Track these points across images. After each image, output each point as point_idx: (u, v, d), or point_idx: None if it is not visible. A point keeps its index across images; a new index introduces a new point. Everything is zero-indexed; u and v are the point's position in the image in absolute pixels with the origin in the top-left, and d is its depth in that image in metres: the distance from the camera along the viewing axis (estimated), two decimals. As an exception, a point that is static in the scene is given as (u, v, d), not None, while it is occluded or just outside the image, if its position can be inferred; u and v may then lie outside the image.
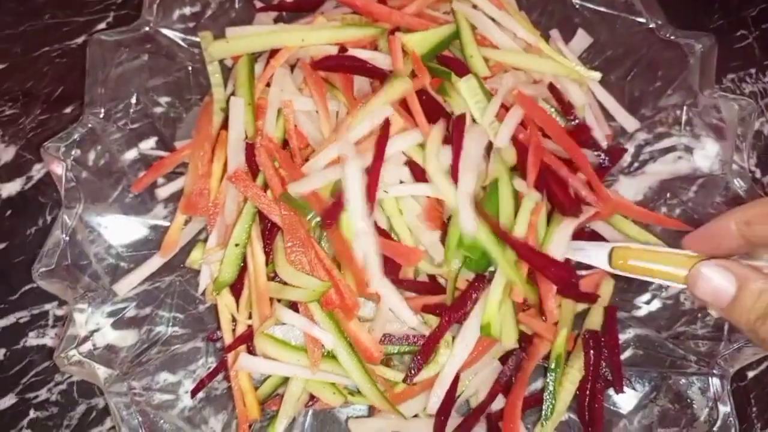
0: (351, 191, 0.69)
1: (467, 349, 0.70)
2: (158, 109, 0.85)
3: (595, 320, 0.77)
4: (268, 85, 0.78)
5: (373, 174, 0.70)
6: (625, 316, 0.81)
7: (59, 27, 0.96)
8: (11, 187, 0.89)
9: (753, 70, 0.99)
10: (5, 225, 0.87)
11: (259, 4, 0.88)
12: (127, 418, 0.69)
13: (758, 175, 0.95)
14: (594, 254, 0.68)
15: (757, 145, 0.96)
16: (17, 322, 0.84)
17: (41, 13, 0.96)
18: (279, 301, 0.72)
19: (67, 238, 0.72)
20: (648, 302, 0.82)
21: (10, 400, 0.80)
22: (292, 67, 0.80)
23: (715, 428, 0.70)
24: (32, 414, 0.80)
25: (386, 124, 0.72)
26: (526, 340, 0.76)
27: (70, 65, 0.94)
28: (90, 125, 0.77)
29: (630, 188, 0.86)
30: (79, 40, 0.95)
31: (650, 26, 0.83)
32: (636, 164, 0.89)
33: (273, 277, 0.74)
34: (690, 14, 1.01)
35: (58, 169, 0.74)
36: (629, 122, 0.85)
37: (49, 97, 0.93)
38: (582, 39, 0.87)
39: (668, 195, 0.84)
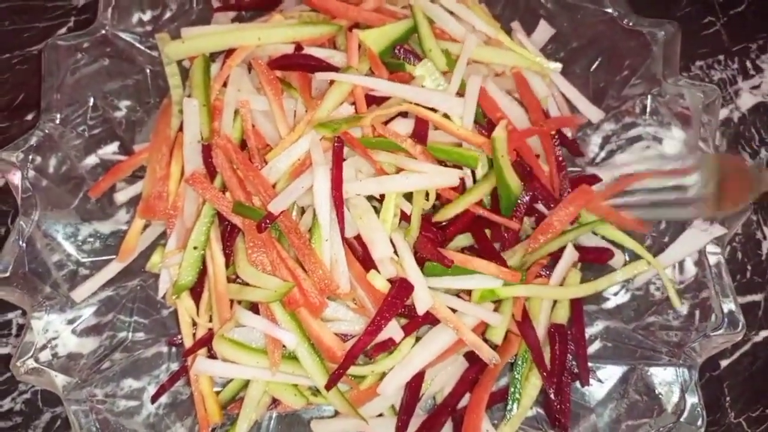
0: (320, 197, 0.68)
1: (432, 351, 0.70)
2: (118, 114, 0.84)
3: (561, 313, 0.76)
4: (225, 85, 0.77)
5: (336, 181, 0.69)
6: (593, 309, 0.81)
7: (19, 33, 0.95)
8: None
9: (721, 57, 0.99)
10: (-34, 234, 0.87)
11: (216, 4, 0.87)
12: (86, 426, 0.68)
13: (728, 161, 0.94)
14: None
15: (726, 132, 0.96)
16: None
17: (0, 20, 0.95)
18: (240, 303, 0.71)
19: (24, 246, 0.72)
20: (616, 294, 0.81)
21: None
22: (250, 68, 0.79)
23: (682, 419, 0.69)
24: (-5, 423, 0.80)
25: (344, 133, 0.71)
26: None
27: (31, 72, 0.93)
28: (47, 131, 0.76)
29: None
30: (40, 46, 0.94)
31: (613, 15, 0.82)
32: (603, 155, 0.88)
33: (234, 279, 0.73)
34: (658, 2, 1.01)
35: (14, 177, 0.74)
36: (593, 112, 0.84)
37: (9, 105, 0.92)
38: (544, 30, 0.87)
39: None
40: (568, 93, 0.83)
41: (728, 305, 0.71)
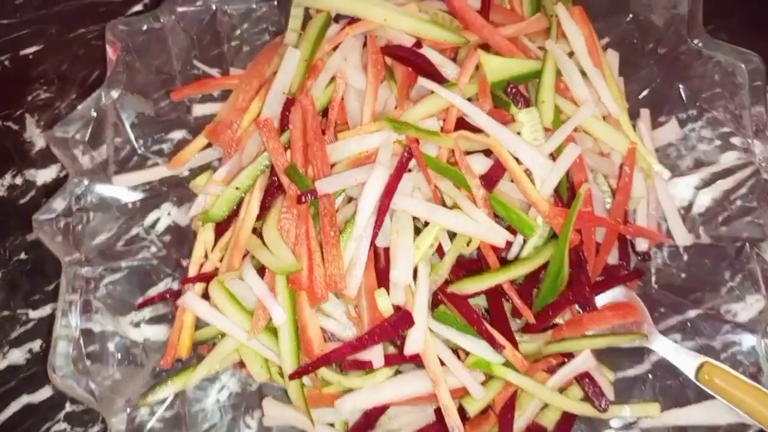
0: (366, 199, 0.66)
1: (404, 392, 0.67)
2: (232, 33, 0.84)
3: (549, 416, 0.72)
4: (334, 49, 0.76)
5: (389, 188, 0.66)
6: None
7: (95, 7, 0.92)
8: (46, 174, 0.88)
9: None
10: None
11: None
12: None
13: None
14: (684, 360, 0.69)
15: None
16: (53, 313, 0.81)
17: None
18: (252, 258, 0.71)
19: (94, 114, 0.73)
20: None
21: (46, 392, 0.80)
22: (365, 45, 0.77)
23: None
24: (68, 407, 0.79)
25: (414, 142, 0.68)
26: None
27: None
28: (162, 20, 0.77)
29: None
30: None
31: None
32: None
33: (259, 234, 0.73)
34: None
35: (113, 49, 0.75)
36: (681, 235, 0.76)
37: (84, 81, 0.89)
38: (672, 129, 0.79)
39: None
40: (665, 204, 0.77)
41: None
